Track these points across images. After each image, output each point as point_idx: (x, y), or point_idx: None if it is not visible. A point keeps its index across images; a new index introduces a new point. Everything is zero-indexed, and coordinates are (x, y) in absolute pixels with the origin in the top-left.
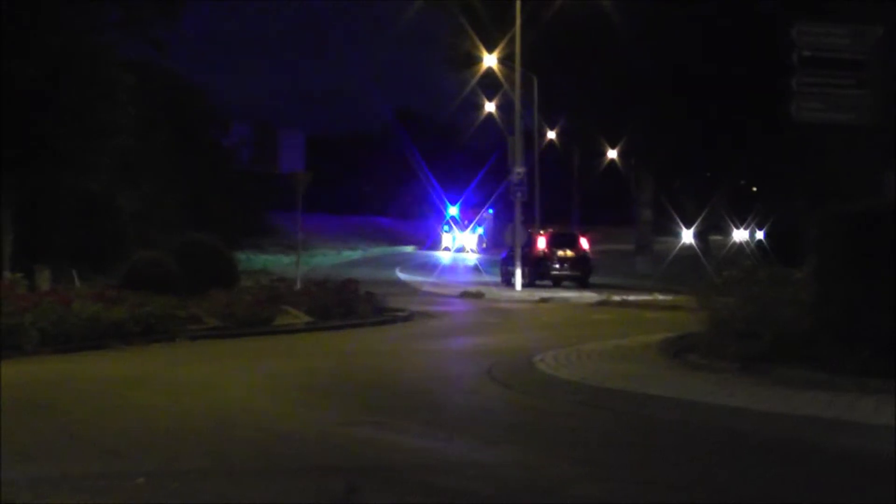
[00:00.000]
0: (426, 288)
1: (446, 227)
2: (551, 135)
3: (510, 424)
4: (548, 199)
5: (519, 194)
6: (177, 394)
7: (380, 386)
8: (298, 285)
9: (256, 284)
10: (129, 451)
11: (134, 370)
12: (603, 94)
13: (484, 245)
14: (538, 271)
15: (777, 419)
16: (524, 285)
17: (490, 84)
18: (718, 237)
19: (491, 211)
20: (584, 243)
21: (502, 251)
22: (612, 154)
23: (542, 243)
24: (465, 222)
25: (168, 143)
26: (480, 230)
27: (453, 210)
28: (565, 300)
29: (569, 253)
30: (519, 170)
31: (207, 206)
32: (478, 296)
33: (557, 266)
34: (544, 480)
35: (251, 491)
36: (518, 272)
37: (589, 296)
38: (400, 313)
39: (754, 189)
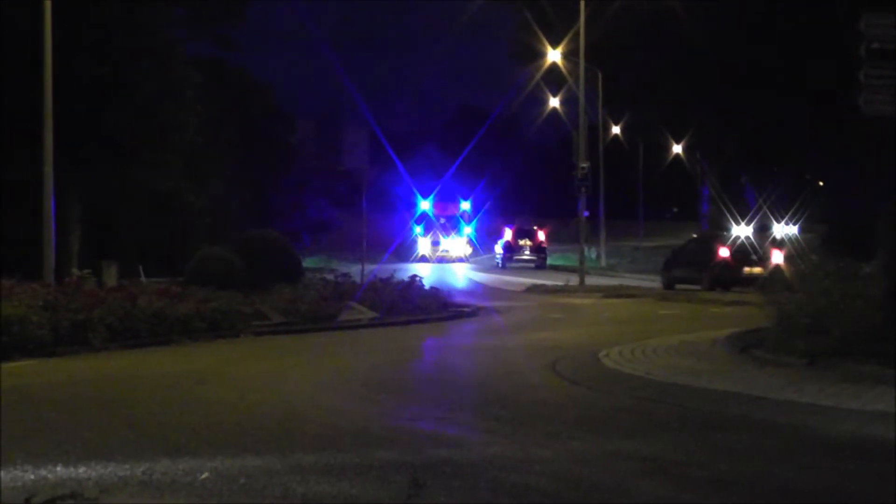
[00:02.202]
0: (493, 284)
1: (419, 230)
2: (616, 129)
3: (575, 420)
4: (612, 194)
5: (583, 189)
6: (242, 389)
7: (445, 381)
8: (363, 281)
9: (321, 280)
10: (195, 447)
11: (199, 366)
12: (668, 87)
13: (467, 253)
14: (507, 256)
15: (845, 415)
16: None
17: (555, 79)
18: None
19: (468, 202)
20: (541, 235)
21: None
22: (676, 149)
23: (508, 235)
24: (442, 220)
25: (234, 139)
26: (469, 229)
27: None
28: (630, 295)
29: (529, 243)
30: (583, 164)
31: (272, 201)
32: (544, 292)
33: (527, 252)
34: (610, 477)
35: (317, 486)
36: (581, 267)
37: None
38: (465, 309)
39: (820, 183)
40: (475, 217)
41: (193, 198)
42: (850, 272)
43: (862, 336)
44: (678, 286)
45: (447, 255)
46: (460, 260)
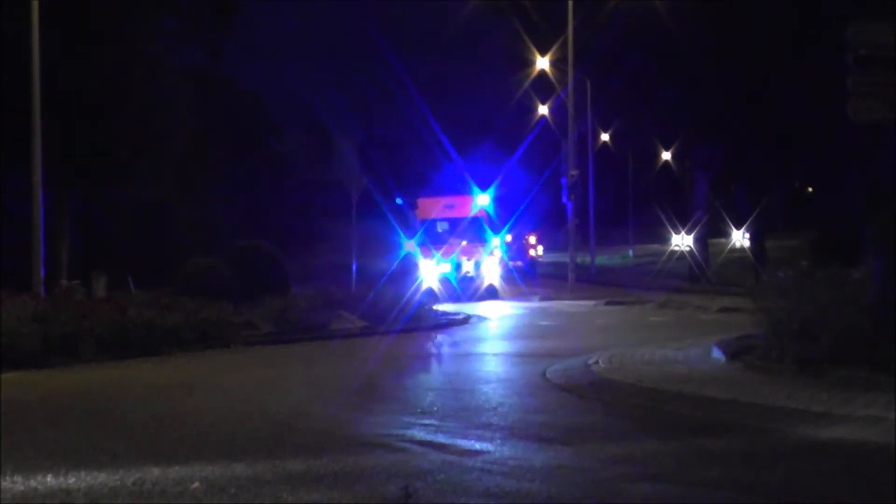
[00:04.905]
0: None
1: (412, 245)
2: (605, 137)
3: (567, 427)
4: (601, 202)
5: (572, 196)
6: (232, 400)
7: (436, 389)
8: (354, 290)
9: (311, 290)
10: (186, 457)
11: (189, 376)
12: (657, 96)
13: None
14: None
15: (837, 421)
16: None
17: (544, 88)
18: (722, 240)
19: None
20: (532, 239)
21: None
22: (666, 156)
23: (533, 240)
24: (444, 226)
25: (225, 149)
26: (497, 243)
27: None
28: (621, 302)
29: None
30: (573, 172)
31: (263, 211)
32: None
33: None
34: (602, 482)
35: (307, 495)
36: (571, 276)
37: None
38: (456, 317)
39: (810, 189)
40: (507, 222)
41: (184, 208)
42: (840, 278)
43: (852, 342)
44: None
45: (470, 286)
46: (491, 294)
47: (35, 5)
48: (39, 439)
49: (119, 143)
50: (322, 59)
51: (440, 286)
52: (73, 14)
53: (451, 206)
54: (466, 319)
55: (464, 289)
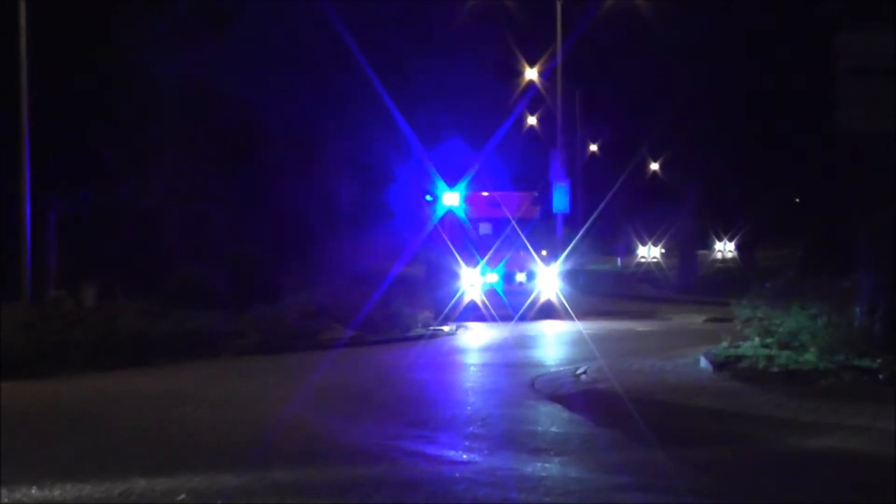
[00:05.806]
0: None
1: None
2: (594, 147)
3: (555, 437)
4: (590, 211)
5: (561, 208)
6: (221, 409)
7: (425, 400)
8: (346, 299)
9: (304, 299)
10: (173, 468)
11: (179, 386)
12: (647, 107)
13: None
14: None
15: (825, 430)
16: None
17: (532, 97)
18: (711, 249)
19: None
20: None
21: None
22: (654, 167)
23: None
24: (486, 228)
25: (216, 157)
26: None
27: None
28: (609, 314)
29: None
30: (561, 183)
31: (256, 220)
32: None
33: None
34: (591, 492)
35: None
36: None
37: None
38: (444, 327)
39: (797, 200)
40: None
41: (175, 217)
42: (828, 288)
43: (840, 352)
44: None
45: (523, 301)
46: (547, 312)
47: (22, 12)
48: (26, 450)
49: (109, 152)
50: (313, 67)
51: (485, 300)
52: (62, 20)
53: (496, 205)
54: (455, 330)
55: (514, 304)
